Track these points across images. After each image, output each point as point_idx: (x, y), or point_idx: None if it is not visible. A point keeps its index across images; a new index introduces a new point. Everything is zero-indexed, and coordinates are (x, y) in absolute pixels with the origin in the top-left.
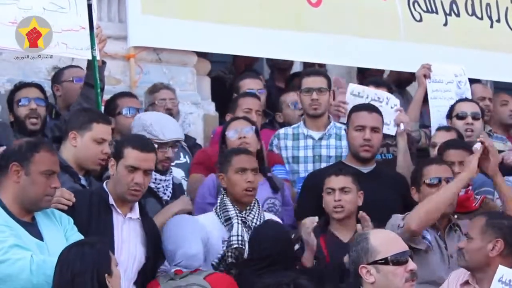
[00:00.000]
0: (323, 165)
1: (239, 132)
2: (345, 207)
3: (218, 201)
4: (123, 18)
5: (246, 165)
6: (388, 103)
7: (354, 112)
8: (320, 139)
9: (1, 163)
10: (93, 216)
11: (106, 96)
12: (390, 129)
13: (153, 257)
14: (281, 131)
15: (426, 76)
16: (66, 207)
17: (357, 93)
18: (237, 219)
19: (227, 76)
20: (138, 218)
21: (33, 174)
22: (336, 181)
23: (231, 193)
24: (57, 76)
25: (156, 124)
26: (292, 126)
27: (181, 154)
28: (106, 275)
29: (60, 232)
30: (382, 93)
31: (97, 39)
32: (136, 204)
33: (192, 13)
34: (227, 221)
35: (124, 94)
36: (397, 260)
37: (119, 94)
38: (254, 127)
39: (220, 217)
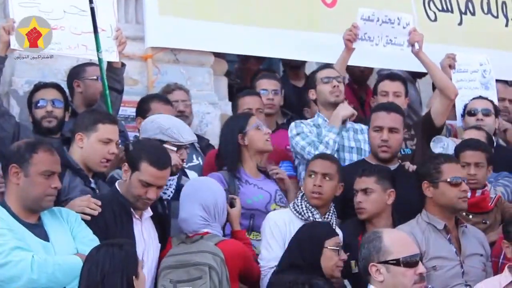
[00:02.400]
0: (346, 155)
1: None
2: (366, 209)
3: (299, 200)
4: (140, 19)
5: (317, 169)
6: (400, 23)
7: (373, 112)
8: (341, 130)
9: (3, 165)
10: (118, 224)
11: (125, 97)
12: (404, 50)
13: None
14: (301, 120)
15: (451, 67)
16: (89, 217)
17: (367, 17)
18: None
19: (233, 81)
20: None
21: (32, 175)
22: (358, 183)
23: (305, 194)
24: (78, 72)
25: (174, 127)
26: (309, 120)
27: (194, 156)
28: (134, 277)
29: (67, 231)
30: (393, 13)
31: (117, 41)
32: None
33: (209, 14)
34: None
35: (160, 98)
36: (408, 262)
37: (154, 97)
38: None
39: (301, 214)
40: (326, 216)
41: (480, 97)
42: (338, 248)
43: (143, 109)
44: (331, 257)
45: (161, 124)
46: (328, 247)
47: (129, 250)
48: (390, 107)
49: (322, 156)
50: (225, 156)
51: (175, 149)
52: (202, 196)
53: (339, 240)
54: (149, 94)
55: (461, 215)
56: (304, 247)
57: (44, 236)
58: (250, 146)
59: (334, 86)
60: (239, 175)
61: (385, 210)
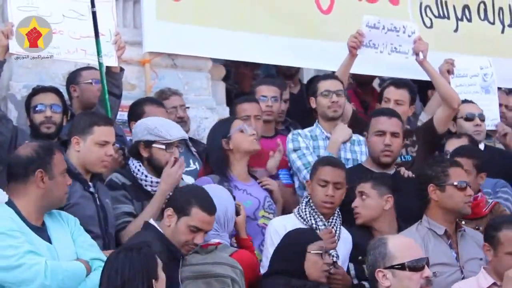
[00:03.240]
0: None
1: (252, 129)
2: (361, 213)
3: (304, 205)
4: (138, 24)
5: (328, 178)
6: (405, 31)
7: (374, 117)
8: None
9: (18, 171)
10: (167, 272)
11: (123, 102)
12: (408, 58)
13: None
14: (301, 131)
15: (450, 72)
16: None
17: (372, 25)
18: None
19: (232, 86)
20: None
21: (56, 176)
22: (357, 188)
23: (313, 201)
24: (74, 77)
25: (161, 126)
26: (307, 129)
27: (191, 161)
28: (154, 280)
29: (67, 234)
30: (398, 21)
31: (116, 45)
32: None
33: (206, 19)
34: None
35: (153, 101)
36: (414, 266)
37: (147, 100)
38: None
39: (305, 220)
40: (331, 220)
41: (469, 101)
42: (321, 252)
43: (136, 113)
44: (315, 262)
45: (147, 124)
46: (311, 252)
47: (147, 253)
48: (391, 112)
49: (332, 163)
50: (212, 163)
51: (163, 147)
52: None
53: (323, 245)
54: (140, 98)
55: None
56: (287, 253)
57: (48, 239)
58: (236, 149)
59: (333, 102)
60: (228, 180)
61: (383, 215)
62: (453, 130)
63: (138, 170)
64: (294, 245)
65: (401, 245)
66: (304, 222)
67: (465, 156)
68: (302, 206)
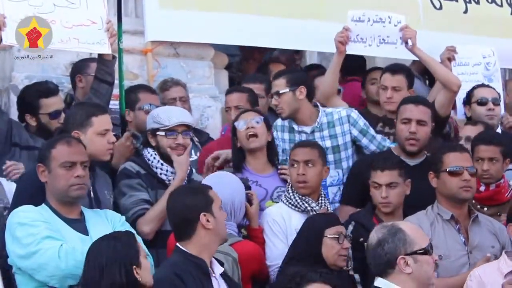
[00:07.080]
0: None
1: (248, 123)
2: (392, 203)
3: (291, 192)
4: (139, 13)
5: (297, 158)
6: (391, 21)
7: (402, 104)
8: (313, 132)
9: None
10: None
11: (116, 91)
12: (398, 48)
13: None
14: (278, 122)
15: (451, 60)
16: None
17: (357, 19)
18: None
19: (235, 74)
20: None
21: (53, 169)
22: (381, 176)
23: (292, 185)
24: (82, 67)
25: (163, 113)
26: (288, 120)
27: (192, 152)
28: (134, 266)
29: (108, 228)
30: (383, 12)
31: (108, 33)
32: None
33: (209, 4)
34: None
35: (146, 88)
36: (429, 250)
37: (140, 87)
38: (262, 117)
39: (297, 207)
40: (319, 201)
41: (484, 85)
42: (337, 236)
43: (131, 100)
44: (332, 246)
45: (152, 113)
46: (328, 236)
47: (126, 240)
48: (418, 100)
49: (302, 144)
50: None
51: (163, 134)
52: (219, 193)
53: (341, 229)
54: (131, 85)
55: (475, 207)
56: (304, 238)
57: (84, 231)
58: (242, 146)
59: (274, 104)
60: (242, 172)
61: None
62: (468, 115)
63: (154, 158)
64: (312, 229)
65: (415, 230)
66: (297, 209)
67: (493, 144)
68: (289, 193)
